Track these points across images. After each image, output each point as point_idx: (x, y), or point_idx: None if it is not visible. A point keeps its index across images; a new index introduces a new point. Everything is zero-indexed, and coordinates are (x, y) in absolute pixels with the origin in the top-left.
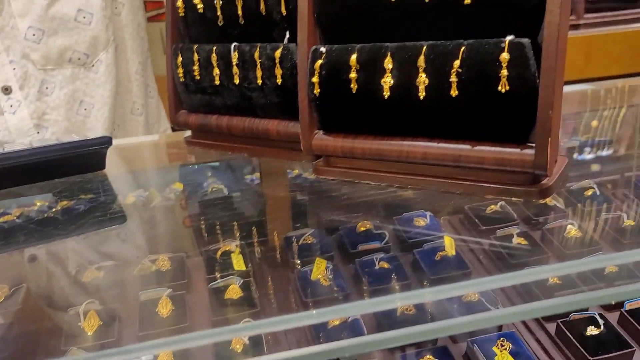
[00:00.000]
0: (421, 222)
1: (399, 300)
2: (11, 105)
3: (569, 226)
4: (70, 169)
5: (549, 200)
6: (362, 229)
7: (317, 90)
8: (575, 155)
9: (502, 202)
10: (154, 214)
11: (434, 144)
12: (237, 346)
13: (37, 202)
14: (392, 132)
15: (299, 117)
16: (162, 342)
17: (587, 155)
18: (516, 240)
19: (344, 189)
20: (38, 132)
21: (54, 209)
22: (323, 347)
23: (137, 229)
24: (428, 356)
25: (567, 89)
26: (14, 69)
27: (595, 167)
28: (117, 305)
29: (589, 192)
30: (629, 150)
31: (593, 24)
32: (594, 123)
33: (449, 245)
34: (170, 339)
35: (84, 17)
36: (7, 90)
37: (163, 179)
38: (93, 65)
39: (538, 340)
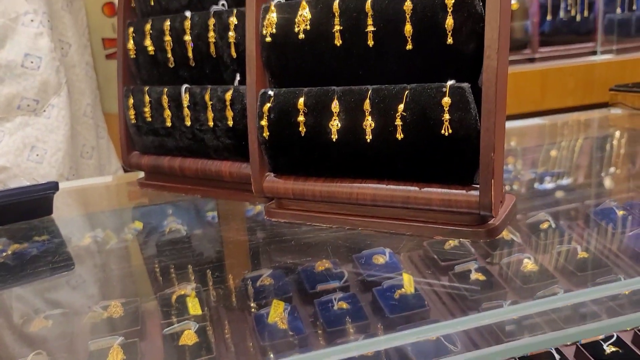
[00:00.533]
0: (380, 259)
1: (355, 350)
2: None
3: (526, 260)
4: (16, 215)
5: (506, 234)
6: (321, 268)
7: (266, 134)
8: (531, 187)
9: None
10: (106, 258)
11: (383, 186)
12: None
13: None
14: (342, 174)
15: (250, 159)
16: None
17: (543, 188)
18: (474, 275)
19: (302, 228)
20: None
21: (4, 254)
22: None
23: (89, 275)
24: None
25: (524, 122)
26: None
27: (550, 199)
28: (66, 355)
29: (545, 225)
30: (582, 182)
31: (547, 58)
32: (550, 155)
33: (407, 282)
34: None
35: (32, 62)
36: None
37: (116, 221)
38: (44, 111)
39: None
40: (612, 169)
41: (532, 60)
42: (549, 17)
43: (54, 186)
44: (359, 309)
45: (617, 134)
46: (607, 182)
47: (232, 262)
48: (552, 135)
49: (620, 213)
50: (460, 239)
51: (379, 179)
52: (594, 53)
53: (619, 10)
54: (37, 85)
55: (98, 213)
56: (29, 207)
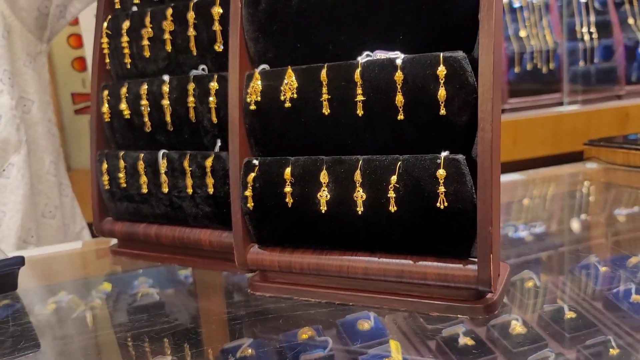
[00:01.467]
0: (365, 324)
1: None
2: None
3: (513, 322)
4: None
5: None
6: (304, 336)
7: (250, 204)
8: (515, 245)
9: None
10: (74, 330)
11: (375, 259)
12: None
13: None
14: (332, 246)
15: (233, 230)
16: None
17: (526, 244)
18: (463, 340)
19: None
20: None
21: None
22: None
23: (56, 351)
24: None
25: (503, 177)
26: None
27: (534, 257)
28: None
29: (530, 284)
30: (566, 238)
31: (517, 109)
32: (530, 209)
33: (395, 349)
34: None
35: None
36: None
37: (85, 291)
38: (4, 170)
39: None
40: (593, 223)
41: (502, 111)
42: (516, 69)
43: (19, 261)
44: None
45: (593, 188)
46: (590, 238)
47: (210, 332)
48: (530, 189)
49: (602, 269)
50: (458, 316)
51: (370, 251)
52: (561, 104)
53: (581, 62)
54: None
55: (65, 282)
56: None
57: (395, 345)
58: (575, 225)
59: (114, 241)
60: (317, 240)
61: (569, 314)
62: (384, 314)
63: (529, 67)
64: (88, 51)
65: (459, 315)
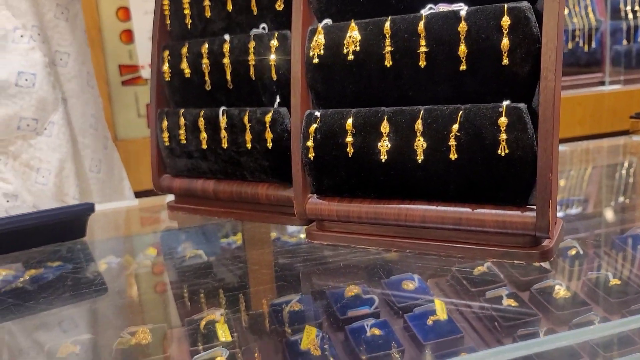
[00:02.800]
0: (410, 285)
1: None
2: None
3: (557, 286)
4: (50, 237)
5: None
6: (350, 294)
7: (311, 155)
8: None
9: (489, 264)
10: (132, 283)
11: (433, 207)
12: None
13: (3, 271)
14: (390, 195)
15: (292, 181)
16: None
17: (569, 214)
18: (506, 301)
19: (329, 253)
20: (8, 201)
21: (22, 279)
22: None
23: (116, 299)
24: None
25: None
26: None
27: (575, 225)
28: None
29: (573, 252)
30: (605, 208)
31: None
32: (574, 181)
33: (439, 309)
34: None
35: (26, 80)
36: None
37: (143, 245)
38: (45, 129)
39: None
40: (638, 193)
41: None
42: None
43: (89, 208)
44: (393, 336)
45: (638, 160)
46: (635, 208)
47: (260, 288)
48: (575, 161)
49: None
50: (514, 261)
51: (428, 200)
52: (603, 83)
53: (624, 42)
54: (34, 104)
55: (123, 237)
56: (64, 229)
57: (440, 304)
58: (620, 195)
59: (170, 198)
60: (376, 190)
61: (613, 282)
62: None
63: (570, 45)
64: (136, 24)
65: (515, 261)
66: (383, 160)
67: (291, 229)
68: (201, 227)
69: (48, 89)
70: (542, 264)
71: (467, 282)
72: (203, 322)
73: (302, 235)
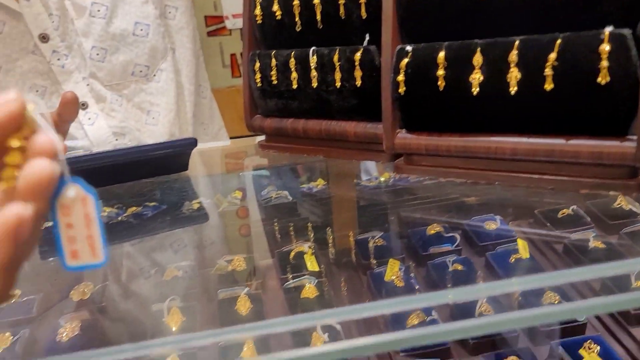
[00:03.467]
0: (492, 225)
1: (482, 291)
2: (89, 118)
3: None
4: (155, 170)
5: (625, 204)
6: (432, 232)
7: (402, 89)
8: None
9: (575, 207)
10: (225, 217)
11: (525, 139)
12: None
13: (107, 208)
14: (480, 128)
15: (382, 116)
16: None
17: None
18: (593, 243)
19: (412, 193)
20: (117, 139)
21: (125, 215)
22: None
23: (212, 231)
24: (512, 357)
25: None
26: (87, 84)
27: None
28: (197, 302)
29: None
30: None
31: None
32: None
33: (522, 248)
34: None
35: (141, 30)
36: (84, 105)
37: (234, 184)
38: (155, 75)
39: (623, 345)
40: None
41: None
42: None
43: (192, 142)
44: (474, 272)
45: None
46: None
47: (345, 225)
48: None
49: None
50: (610, 192)
51: (520, 132)
52: None
53: None
54: (146, 52)
55: (218, 175)
56: (168, 162)
57: (522, 243)
58: None
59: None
60: (466, 123)
61: None
62: (510, 218)
63: None
64: None
65: (610, 192)
66: (474, 93)
67: (376, 167)
68: (289, 167)
69: (159, 38)
70: (633, 207)
71: (552, 223)
72: (292, 254)
73: (385, 177)
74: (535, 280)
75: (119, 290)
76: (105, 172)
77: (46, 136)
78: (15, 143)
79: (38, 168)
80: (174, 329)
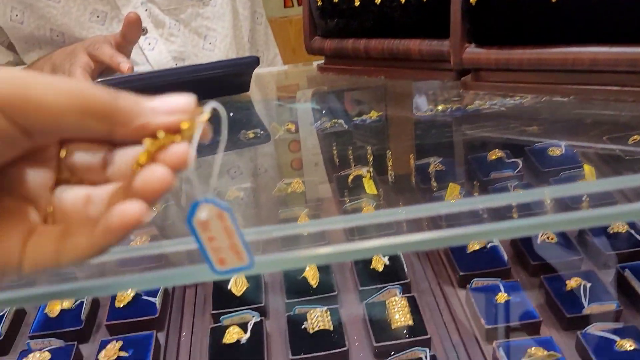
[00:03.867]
0: (556, 151)
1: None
2: (149, 44)
3: None
4: (216, 90)
5: None
6: (494, 157)
7: (473, 0)
8: None
9: None
10: (282, 143)
11: (605, 49)
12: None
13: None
14: (557, 39)
15: (450, 30)
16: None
17: None
18: None
19: (471, 121)
20: (176, 64)
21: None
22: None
23: (269, 156)
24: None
25: None
26: (146, 10)
27: None
28: (259, 221)
29: None
30: None
31: None
32: None
33: (589, 173)
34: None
35: None
36: (143, 30)
37: (289, 110)
38: (211, 0)
39: None
40: None
41: None
42: None
43: (254, 61)
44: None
45: None
46: None
47: (403, 150)
48: None
49: None
50: None
51: (600, 41)
52: None
53: None
54: None
55: (272, 102)
56: (228, 81)
57: (589, 169)
58: None
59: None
60: (542, 34)
61: None
62: (574, 146)
63: None
64: None
65: None
66: (553, 1)
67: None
68: (346, 94)
69: None
70: None
71: (621, 151)
72: (350, 178)
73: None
74: (604, 184)
75: (182, 211)
76: (166, 91)
77: (187, 149)
78: (161, 135)
79: (161, 176)
80: None
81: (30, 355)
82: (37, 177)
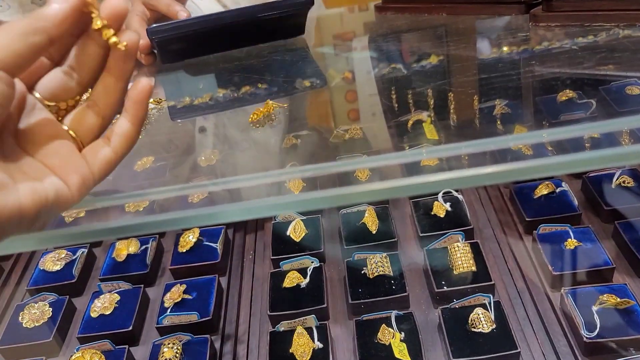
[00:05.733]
0: (635, 90)
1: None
2: None
3: None
4: (271, 33)
5: None
6: (564, 98)
7: None
8: None
9: None
10: (339, 90)
11: None
12: None
13: (221, 90)
14: None
15: None
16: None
17: None
18: None
19: (539, 61)
20: None
21: (241, 92)
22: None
23: (326, 103)
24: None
25: None
26: None
27: None
28: (315, 168)
29: None
30: None
31: None
32: None
33: None
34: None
35: None
36: None
37: (345, 57)
38: None
39: None
40: None
41: None
42: None
43: (309, 1)
44: (612, 140)
45: None
46: None
47: (466, 93)
48: None
49: None
50: None
51: None
52: None
53: None
54: None
55: (328, 46)
56: (283, 24)
57: None
58: None
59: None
60: None
61: None
62: None
63: None
64: None
65: None
66: None
67: (503, 26)
68: (408, 34)
69: None
70: None
71: None
72: (410, 123)
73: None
74: None
75: (242, 158)
76: (220, 35)
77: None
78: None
79: (134, 34)
80: (296, 192)
81: (102, 297)
82: (41, 122)
